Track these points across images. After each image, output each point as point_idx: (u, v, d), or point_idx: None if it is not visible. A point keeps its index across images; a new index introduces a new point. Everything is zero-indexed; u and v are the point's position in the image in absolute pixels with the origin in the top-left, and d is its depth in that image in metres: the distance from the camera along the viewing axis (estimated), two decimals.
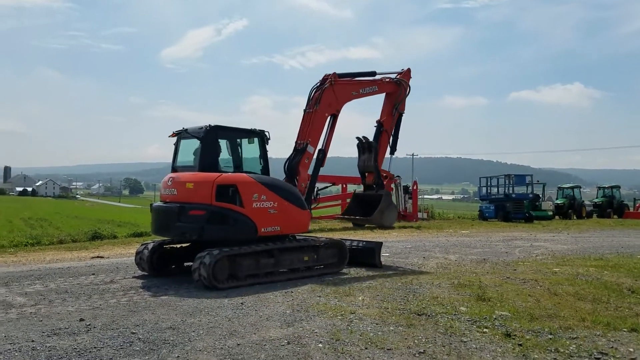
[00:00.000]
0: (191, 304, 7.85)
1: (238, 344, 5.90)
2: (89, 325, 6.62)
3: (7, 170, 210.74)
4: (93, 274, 10.52)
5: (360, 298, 8.33)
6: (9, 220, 34.29)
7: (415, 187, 28.29)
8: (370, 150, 12.85)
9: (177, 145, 10.57)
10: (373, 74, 12.82)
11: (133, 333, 6.28)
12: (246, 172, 10.12)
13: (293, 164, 11.22)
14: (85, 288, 9.11)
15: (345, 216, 13.48)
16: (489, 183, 36.90)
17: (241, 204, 9.45)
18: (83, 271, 10.92)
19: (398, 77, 13.24)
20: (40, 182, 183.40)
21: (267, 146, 10.58)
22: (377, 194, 12.58)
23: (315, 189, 11.62)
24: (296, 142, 11.45)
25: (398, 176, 28.11)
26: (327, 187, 27.79)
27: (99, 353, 5.54)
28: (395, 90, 13.12)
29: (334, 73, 11.79)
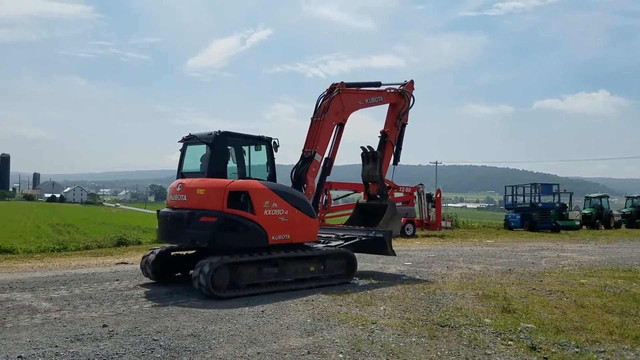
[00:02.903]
0: (212, 311, 7.86)
1: (258, 353, 5.88)
2: (112, 331, 6.68)
3: (36, 176, 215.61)
4: (117, 280, 10.64)
5: (381, 308, 8.25)
6: (37, 225, 35.04)
7: (438, 195, 28.04)
8: (374, 159, 12.77)
9: (183, 151, 10.47)
10: (378, 84, 12.85)
11: (155, 340, 6.32)
12: (257, 179, 10.02)
13: (300, 172, 11.14)
14: (109, 294, 9.21)
15: (349, 226, 13.20)
16: (514, 192, 36.39)
17: (252, 211, 9.30)
18: (107, 277, 11.05)
19: (402, 88, 13.24)
20: (69, 188, 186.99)
21: (275, 153, 10.49)
22: (382, 203, 12.50)
23: (323, 198, 11.61)
24: (303, 150, 11.40)
25: (421, 184, 27.95)
26: (348, 194, 27.85)
27: (121, 359, 5.58)
28: (399, 101, 13.15)
29: (342, 82, 11.83)
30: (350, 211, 26.98)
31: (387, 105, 13.23)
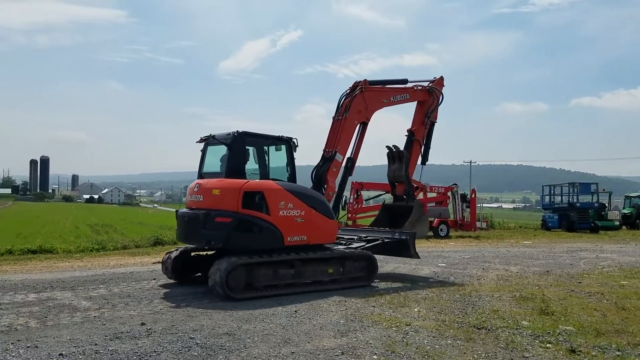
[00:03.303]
0: (246, 311, 7.94)
1: (292, 352, 5.90)
2: (150, 329, 6.81)
3: (75, 178, 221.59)
4: (154, 279, 10.84)
5: (416, 309, 8.17)
6: (76, 226, 35.99)
7: (473, 196, 27.62)
8: (400, 159, 12.50)
9: (204, 151, 10.38)
10: (405, 81, 12.54)
11: (191, 338, 6.41)
12: (275, 179, 9.89)
13: (321, 173, 10.94)
14: (146, 293, 9.39)
15: (374, 228, 12.87)
16: (552, 191, 35.58)
17: (267, 211, 9.18)
18: (145, 276, 11.27)
19: (430, 85, 12.92)
20: (106, 189, 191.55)
21: (294, 153, 10.32)
22: (408, 204, 12.23)
23: (343, 198, 11.44)
24: (324, 150, 11.20)
25: (455, 184, 27.60)
26: (379, 195, 27.68)
27: (159, 357, 5.68)
28: (428, 98, 12.78)
29: (365, 80, 11.59)
30: None
31: (415, 103, 12.93)
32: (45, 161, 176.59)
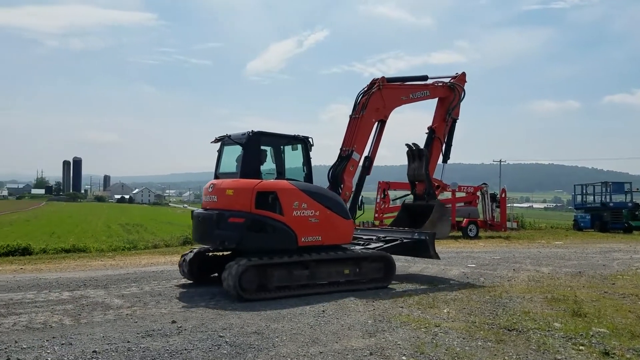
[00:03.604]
0: (274, 310, 7.99)
1: (320, 352, 5.91)
2: (180, 327, 6.91)
3: (106, 179, 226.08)
4: (184, 278, 10.98)
5: (445, 311, 8.10)
6: (108, 225, 36.71)
7: (503, 195, 27.20)
8: (420, 158, 12.25)
9: (220, 152, 10.32)
10: (425, 78, 12.29)
11: (221, 336, 6.48)
12: (290, 179, 9.77)
13: (337, 172, 10.75)
14: (176, 291, 9.53)
15: (394, 228, 12.59)
16: (584, 191, 34.86)
17: (281, 212, 9.07)
18: (175, 275, 11.42)
19: (452, 81, 12.64)
20: (137, 190, 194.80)
21: (310, 152, 10.19)
22: (428, 204, 11.99)
23: (360, 198, 11.08)
24: (341, 149, 11.00)
25: (485, 184, 27.23)
26: (407, 194, 27.46)
27: (189, 355, 5.76)
28: (449, 95, 12.51)
29: (383, 77, 11.37)
30: None
31: (436, 100, 12.66)
32: (78, 162, 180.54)
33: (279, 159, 10.11)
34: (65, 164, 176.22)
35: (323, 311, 7.96)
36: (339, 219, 9.88)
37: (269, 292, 8.90)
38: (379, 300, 8.82)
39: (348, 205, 10.67)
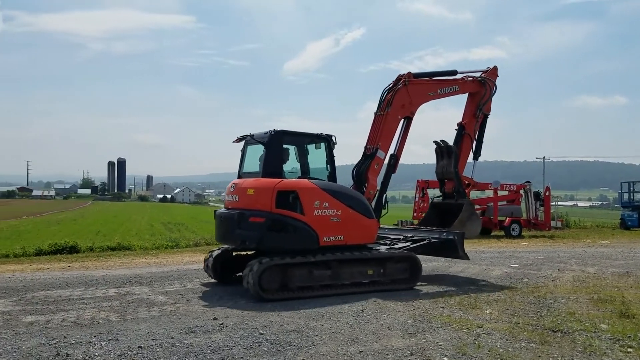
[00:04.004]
0: (313, 309, 8.02)
1: (360, 352, 5.90)
2: (222, 324, 7.02)
3: (149, 179, 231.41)
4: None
5: (487, 311, 7.96)
6: (151, 224, 37.54)
7: (547, 193, 26.51)
8: (449, 155, 11.96)
9: (244, 151, 10.30)
10: (454, 72, 11.98)
11: (261, 334, 6.55)
12: (312, 178, 9.68)
13: (361, 170, 10.54)
14: (217, 288, 9.68)
15: (421, 227, 12.27)
16: (631, 189, 33.62)
17: (302, 211, 8.96)
18: None
19: (483, 75, 12.29)
20: (178, 189, 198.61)
21: (334, 151, 10.04)
22: (458, 202, 11.67)
23: (384, 197, 10.80)
24: (365, 147, 10.79)
25: (528, 182, 26.60)
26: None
27: (231, 351, 5.85)
28: (479, 90, 12.17)
29: (409, 72, 11.09)
30: None
31: (466, 95, 12.35)
32: (122, 163, 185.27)
33: (303, 158, 10.07)
34: (110, 164, 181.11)
35: (362, 310, 7.95)
36: (362, 218, 9.70)
37: (291, 292, 8.83)
38: (418, 301, 8.74)
39: (373, 204, 10.50)
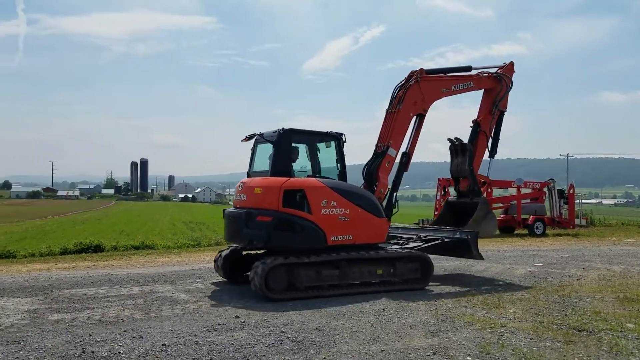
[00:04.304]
0: (334, 307, 8.01)
1: (382, 351, 5.88)
2: (244, 322, 7.07)
3: (171, 179, 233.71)
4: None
5: (511, 311, 7.87)
6: (173, 223, 37.94)
7: (571, 191, 26.10)
8: (464, 153, 11.70)
9: (253, 150, 10.23)
10: (468, 68, 11.76)
11: (282, 332, 6.58)
12: (320, 176, 9.62)
13: (372, 169, 10.38)
14: (239, 287, 9.72)
15: (435, 226, 12.05)
16: None
17: (309, 210, 8.86)
18: None
19: (499, 71, 12.05)
20: (199, 189, 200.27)
21: (344, 149, 9.91)
22: (472, 201, 11.42)
23: (394, 196, 10.59)
24: (376, 145, 10.62)
25: (552, 179, 26.21)
26: None
27: (253, 349, 5.88)
28: (495, 86, 11.95)
29: (421, 69, 10.91)
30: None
31: (482, 91, 12.13)
32: (144, 163, 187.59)
33: (314, 157, 9.97)
34: (133, 165, 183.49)
35: (383, 309, 7.92)
36: (372, 218, 9.56)
37: (299, 291, 8.75)
38: (441, 300, 8.68)
39: (384, 203, 10.39)
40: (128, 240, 20.06)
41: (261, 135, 9.79)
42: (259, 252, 10.11)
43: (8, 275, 11.58)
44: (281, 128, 9.38)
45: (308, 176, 9.64)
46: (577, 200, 29.67)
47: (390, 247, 10.24)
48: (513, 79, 12.28)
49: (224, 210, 10.21)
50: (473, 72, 11.86)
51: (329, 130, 9.94)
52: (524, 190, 25.45)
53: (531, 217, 24.03)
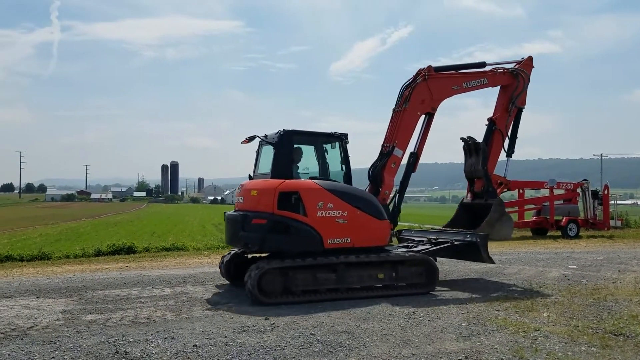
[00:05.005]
0: (363, 310, 7.98)
1: (413, 354, 5.82)
2: (273, 324, 7.10)
3: (200, 181, 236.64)
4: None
5: (545, 314, 7.70)
6: (203, 225, 38.31)
7: (606, 192, 25.45)
8: (477, 152, 11.29)
9: (258, 152, 10.08)
10: (482, 65, 11.37)
11: (312, 334, 6.58)
12: (322, 178, 9.44)
13: (377, 170, 10.18)
14: None
15: (447, 229, 11.65)
16: None
17: (304, 212, 8.69)
18: None
19: (516, 66, 11.60)
20: (228, 191, 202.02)
21: (348, 150, 9.73)
22: (487, 203, 10.93)
23: (396, 198, 10.30)
24: (382, 145, 10.41)
25: (585, 180, 25.62)
26: (502, 192, 26.36)
27: (283, 351, 5.89)
28: (511, 82, 11.45)
29: (429, 66, 10.63)
30: (519, 209, 25.40)
31: (498, 88, 11.69)
32: (175, 166, 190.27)
33: (322, 159, 9.77)
34: (164, 167, 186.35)
35: (413, 312, 7.85)
36: (372, 220, 9.27)
37: (295, 296, 8.60)
38: (472, 303, 8.57)
39: (392, 205, 10.20)
40: (159, 241, 20.35)
41: (265, 137, 9.66)
42: (262, 255, 9.87)
43: (44, 276, 11.89)
44: (282, 130, 9.28)
45: (310, 178, 9.43)
46: (612, 201, 28.88)
47: (395, 250, 10.01)
48: (532, 74, 11.80)
49: (224, 212, 10.10)
50: (487, 68, 11.47)
51: (332, 131, 9.79)
52: (557, 192, 24.93)
53: (564, 218, 23.52)
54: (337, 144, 9.81)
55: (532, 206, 24.94)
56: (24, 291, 9.76)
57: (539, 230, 24.01)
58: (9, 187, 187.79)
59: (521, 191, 24.93)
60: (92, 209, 74.70)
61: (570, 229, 23.21)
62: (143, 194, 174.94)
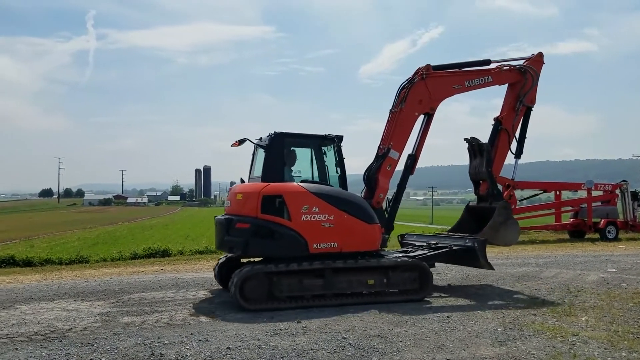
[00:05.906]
0: (396, 314, 7.92)
1: (447, 359, 5.75)
2: (305, 327, 7.11)
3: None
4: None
5: (583, 319, 7.51)
6: None
7: None
8: (482, 154, 10.84)
9: (254, 155, 9.92)
10: (487, 62, 10.90)
11: (344, 338, 6.56)
12: (311, 181, 9.19)
13: (372, 172, 9.88)
14: None
15: (450, 234, 11.19)
16: None
17: (288, 216, 8.48)
18: None
19: (525, 63, 11.08)
20: None
21: (342, 153, 9.46)
22: (491, 206, 10.47)
23: (388, 200, 9.98)
24: (378, 147, 10.10)
25: (624, 181, 24.93)
26: (537, 194, 25.88)
27: (315, 355, 5.90)
28: (519, 79, 10.93)
29: (428, 65, 10.21)
30: (541, 212, 24.89)
31: (506, 86, 11.18)
32: (207, 170, 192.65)
33: (321, 161, 9.53)
34: (197, 172, 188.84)
35: (447, 317, 7.75)
36: (360, 224, 8.91)
37: (280, 302, 8.42)
38: (508, 307, 8.41)
39: (388, 208, 9.97)
40: (193, 245, 20.62)
41: (260, 139, 9.49)
42: (256, 259, 9.40)
43: (82, 279, 12.18)
44: (273, 132, 9.16)
45: (302, 181, 9.20)
46: None
47: (389, 255, 9.62)
48: (542, 70, 11.25)
49: (215, 217, 9.91)
50: (492, 66, 10.98)
51: (326, 133, 9.55)
52: (594, 193, 24.29)
53: (603, 220, 22.89)
54: (331, 146, 9.58)
55: (569, 208, 24.39)
56: (62, 294, 10.02)
57: (577, 233, 23.44)
58: (48, 193, 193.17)
59: (558, 193, 24.40)
60: (128, 213, 76.24)
61: (609, 231, 22.61)
62: (177, 197, 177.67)
